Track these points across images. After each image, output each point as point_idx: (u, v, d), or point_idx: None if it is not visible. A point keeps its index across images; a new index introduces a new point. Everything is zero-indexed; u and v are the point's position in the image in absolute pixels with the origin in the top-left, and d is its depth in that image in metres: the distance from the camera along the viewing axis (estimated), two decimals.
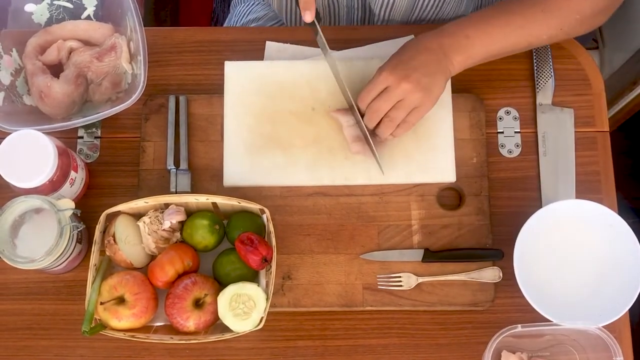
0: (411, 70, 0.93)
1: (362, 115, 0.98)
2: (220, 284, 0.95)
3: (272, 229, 0.95)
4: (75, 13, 1.08)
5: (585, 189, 1.03)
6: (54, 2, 1.08)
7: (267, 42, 1.09)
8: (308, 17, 0.93)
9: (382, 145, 1.01)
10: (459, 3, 1.14)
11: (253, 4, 1.31)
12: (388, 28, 1.14)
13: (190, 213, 0.98)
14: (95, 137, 1.06)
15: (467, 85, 1.01)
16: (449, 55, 0.95)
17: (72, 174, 0.96)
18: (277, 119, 1.03)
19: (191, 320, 0.92)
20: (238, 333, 0.91)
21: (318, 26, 0.96)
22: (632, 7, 1.41)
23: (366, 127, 0.98)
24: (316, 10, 0.94)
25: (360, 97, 0.96)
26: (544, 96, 1.07)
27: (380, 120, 0.96)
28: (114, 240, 0.94)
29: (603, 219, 0.96)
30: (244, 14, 1.32)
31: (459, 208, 1.02)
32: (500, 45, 0.98)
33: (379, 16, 1.14)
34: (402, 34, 1.09)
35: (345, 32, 1.13)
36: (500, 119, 1.06)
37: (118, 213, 0.96)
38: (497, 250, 0.99)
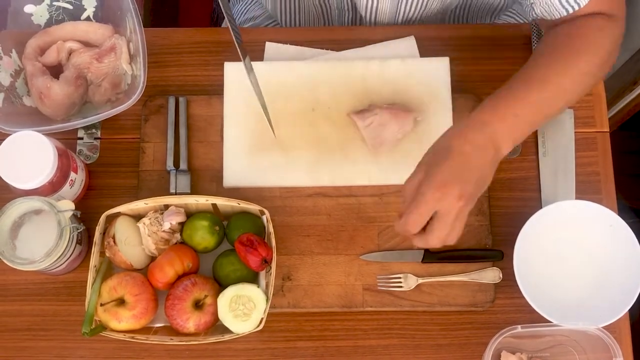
0: (465, 184, 0.80)
1: None
2: (220, 285, 0.95)
3: (272, 230, 0.95)
4: (74, 14, 1.08)
5: (585, 190, 1.03)
6: (54, 3, 1.08)
7: (267, 43, 1.09)
8: None
9: (382, 147, 1.01)
10: None
11: (250, 3, 1.32)
12: (384, 29, 1.13)
13: (190, 214, 0.98)
14: (95, 138, 1.06)
15: (467, 86, 1.01)
16: (501, 146, 0.84)
17: (72, 175, 0.96)
18: (277, 119, 1.03)
19: (191, 322, 0.92)
20: (238, 334, 0.91)
21: (238, 49, 0.93)
22: (632, 7, 1.41)
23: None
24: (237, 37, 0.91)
25: (407, 222, 0.81)
26: None
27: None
28: (114, 241, 0.94)
29: (603, 220, 0.96)
30: (242, 13, 1.32)
31: None
32: (546, 115, 0.90)
33: (366, 18, 1.14)
34: (399, 34, 1.09)
35: (341, 32, 1.13)
36: None
37: (118, 214, 0.96)
38: (497, 251, 0.99)
